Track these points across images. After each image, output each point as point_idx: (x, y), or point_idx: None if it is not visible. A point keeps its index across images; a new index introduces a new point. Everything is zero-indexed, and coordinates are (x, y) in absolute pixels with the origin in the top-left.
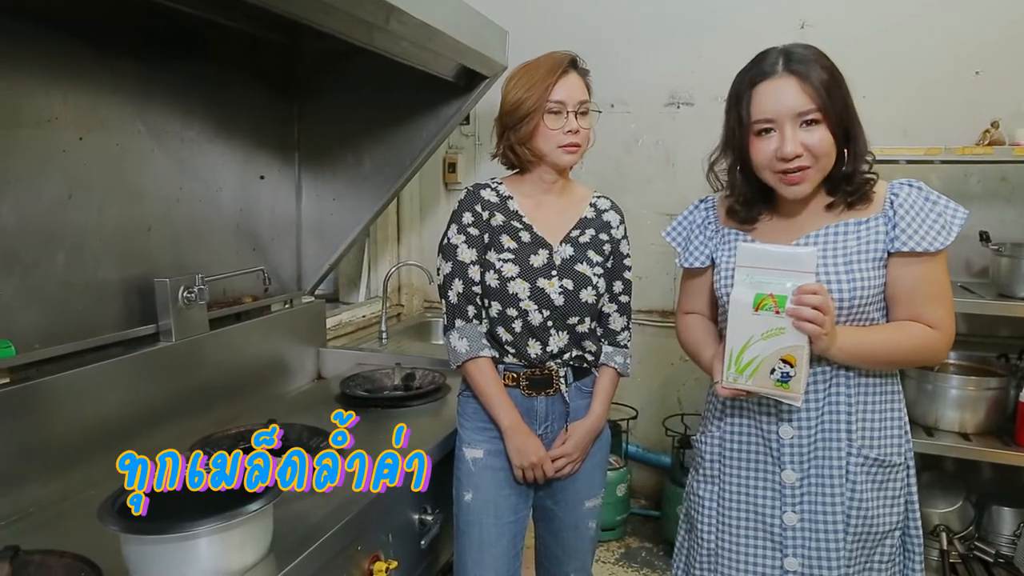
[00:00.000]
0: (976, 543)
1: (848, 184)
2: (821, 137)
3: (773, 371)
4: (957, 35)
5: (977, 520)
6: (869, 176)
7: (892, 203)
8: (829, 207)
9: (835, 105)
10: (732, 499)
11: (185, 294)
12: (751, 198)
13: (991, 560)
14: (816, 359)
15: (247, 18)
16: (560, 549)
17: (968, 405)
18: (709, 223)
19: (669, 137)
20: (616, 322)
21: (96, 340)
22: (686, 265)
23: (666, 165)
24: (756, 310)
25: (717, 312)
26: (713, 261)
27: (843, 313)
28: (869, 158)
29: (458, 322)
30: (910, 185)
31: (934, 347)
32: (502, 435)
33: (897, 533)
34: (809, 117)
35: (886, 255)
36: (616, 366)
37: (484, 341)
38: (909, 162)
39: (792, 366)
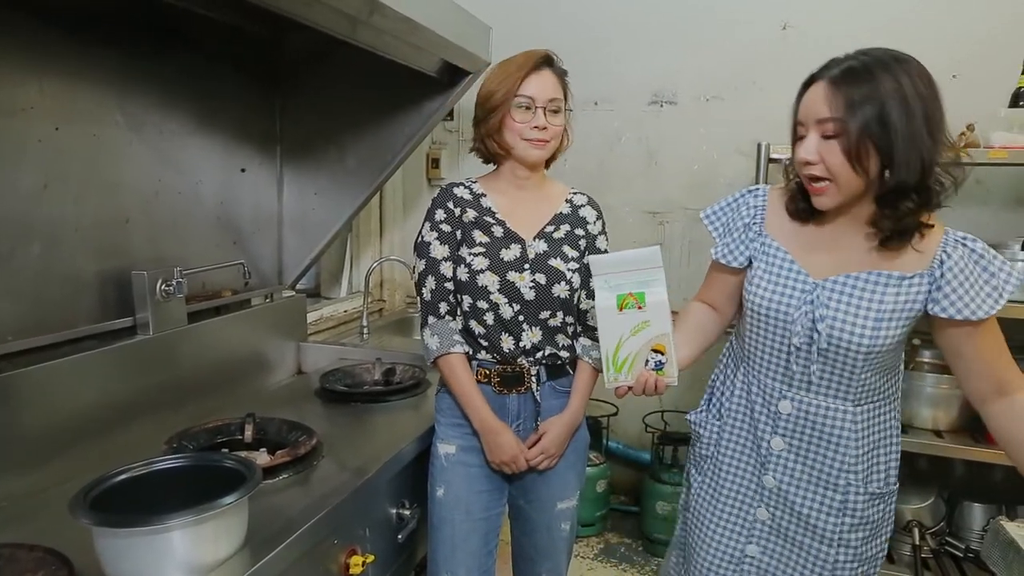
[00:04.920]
0: (947, 538)
1: (888, 218)
2: (833, 153)
3: (647, 362)
4: (935, 39)
5: (948, 516)
6: (918, 220)
7: (942, 263)
8: (877, 248)
9: (863, 125)
10: (718, 485)
11: (163, 287)
12: (801, 195)
13: (961, 555)
14: (826, 390)
15: (229, 9)
16: (533, 549)
17: (942, 403)
18: (755, 223)
19: (652, 135)
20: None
21: (72, 332)
22: (722, 260)
23: (649, 163)
24: (620, 310)
25: (729, 308)
26: (751, 263)
27: (859, 360)
28: (930, 210)
29: (430, 319)
30: (964, 244)
31: None
32: (476, 433)
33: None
34: (827, 128)
35: (921, 313)
36: (592, 362)
37: (456, 337)
38: None
39: (663, 354)
